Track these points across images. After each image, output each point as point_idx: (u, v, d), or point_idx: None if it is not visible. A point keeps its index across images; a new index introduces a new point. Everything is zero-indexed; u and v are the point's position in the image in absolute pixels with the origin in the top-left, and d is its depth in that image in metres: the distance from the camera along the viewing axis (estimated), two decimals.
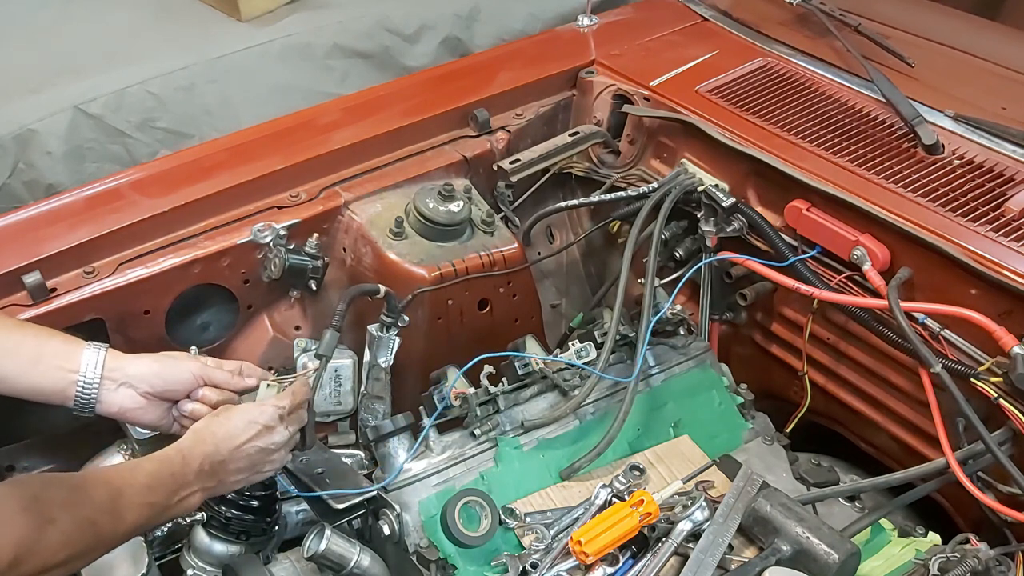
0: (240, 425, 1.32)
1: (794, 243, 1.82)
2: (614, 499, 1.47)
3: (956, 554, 1.41)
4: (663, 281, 1.79)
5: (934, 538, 1.55)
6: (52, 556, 1.09)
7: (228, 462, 1.31)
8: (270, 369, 1.59)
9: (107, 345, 1.37)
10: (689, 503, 1.42)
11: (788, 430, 1.87)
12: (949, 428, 1.59)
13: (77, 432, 1.68)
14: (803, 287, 1.74)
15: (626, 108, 2.10)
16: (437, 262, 1.79)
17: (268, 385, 1.43)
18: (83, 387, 1.33)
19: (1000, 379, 1.53)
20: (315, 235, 1.83)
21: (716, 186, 1.89)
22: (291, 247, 1.81)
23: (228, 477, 1.33)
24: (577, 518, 1.46)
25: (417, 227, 1.83)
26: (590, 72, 2.18)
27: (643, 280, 1.72)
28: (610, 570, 1.36)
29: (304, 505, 1.54)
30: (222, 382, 1.42)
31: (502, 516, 1.42)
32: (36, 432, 1.71)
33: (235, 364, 1.45)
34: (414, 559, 1.41)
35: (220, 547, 1.43)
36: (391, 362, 1.65)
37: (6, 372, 1.32)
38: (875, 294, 1.68)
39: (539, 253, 2.22)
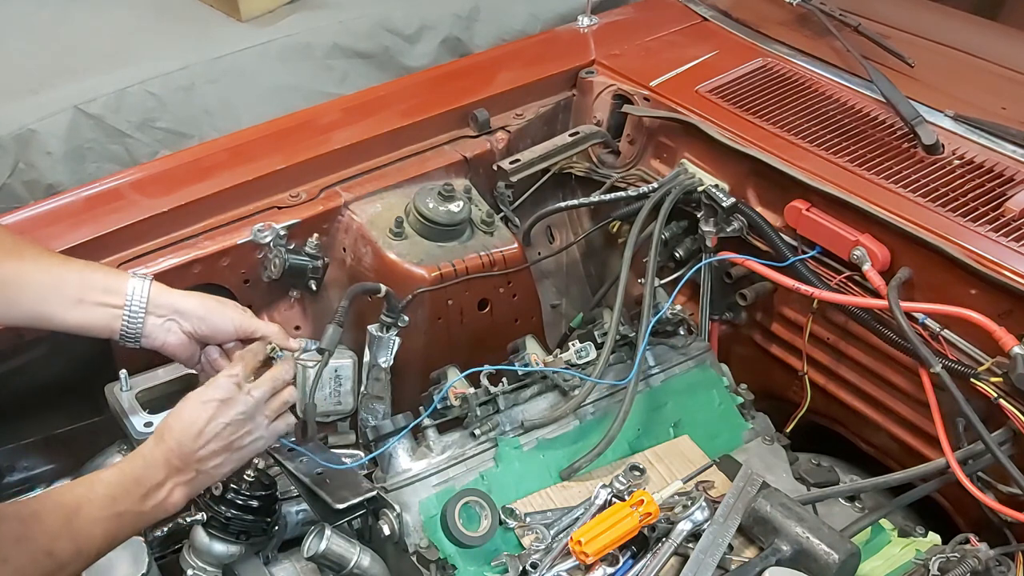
0: (194, 409, 1.30)
1: (794, 243, 1.82)
2: (614, 499, 1.47)
3: (956, 554, 1.41)
4: (663, 281, 1.79)
5: (934, 538, 1.55)
6: None
7: (197, 450, 1.28)
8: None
9: (151, 276, 1.40)
10: (689, 503, 1.42)
11: (788, 430, 1.87)
12: (949, 428, 1.59)
13: (77, 432, 1.68)
14: (803, 287, 1.74)
15: (626, 108, 2.09)
16: (437, 262, 1.79)
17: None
18: (128, 320, 1.36)
19: (1000, 379, 1.53)
20: (315, 235, 1.83)
21: (716, 186, 1.89)
22: (291, 247, 1.81)
23: (205, 464, 1.30)
24: (577, 518, 1.45)
25: (417, 227, 1.83)
26: (590, 72, 2.18)
27: (643, 280, 1.72)
28: (610, 570, 1.36)
29: (304, 505, 1.54)
30: (265, 331, 1.43)
31: (502, 516, 1.42)
32: (36, 432, 1.71)
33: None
34: (414, 559, 1.41)
35: (220, 547, 1.43)
36: (391, 362, 1.65)
37: (51, 312, 1.34)
38: (875, 294, 1.68)
39: (539, 253, 2.21)
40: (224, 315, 1.42)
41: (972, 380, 1.54)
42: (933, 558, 1.41)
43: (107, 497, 1.20)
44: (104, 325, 1.36)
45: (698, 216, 1.91)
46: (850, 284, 1.74)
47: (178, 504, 1.29)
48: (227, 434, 1.31)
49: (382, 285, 1.62)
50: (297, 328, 1.90)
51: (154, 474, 1.25)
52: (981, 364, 1.56)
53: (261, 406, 1.35)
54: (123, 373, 1.60)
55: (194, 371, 1.53)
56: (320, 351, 1.50)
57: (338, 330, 1.51)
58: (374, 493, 1.43)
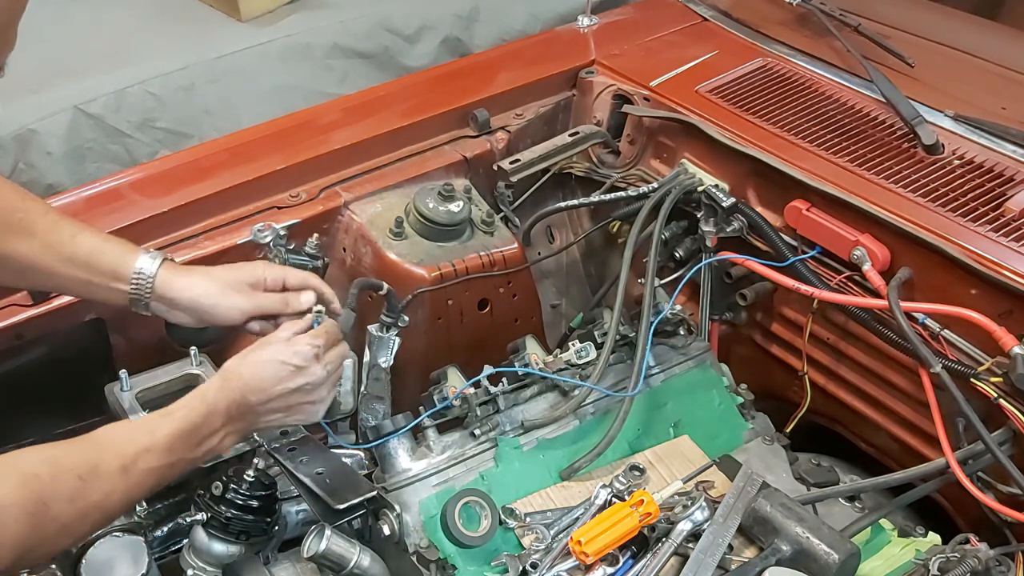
0: (270, 368, 1.31)
1: (794, 243, 1.82)
2: (614, 499, 1.47)
3: (956, 554, 1.41)
4: (663, 281, 1.79)
5: (934, 538, 1.55)
6: (55, 546, 1.12)
7: (257, 405, 1.30)
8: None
9: (162, 257, 1.41)
10: (689, 503, 1.42)
11: (788, 430, 1.87)
12: (949, 428, 1.59)
13: (77, 432, 1.66)
14: (803, 287, 1.74)
15: (626, 108, 2.09)
16: (437, 262, 1.79)
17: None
18: (135, 300, 1.40)
19: (1000, 379, 1.53)
20: (315, 235, 1.82)
21: (716, 186, 1.89)
22: (291, 247, 1.80)
23: (259, 419, 1.33)
24: (577, 518, 1.46)
25: (417, 227, 1.83)
26: (590, 72, 2.18)
27: (643, 280, 1.72)
28: (610, 570, 1.36)
29: (304, 505, 1.54)
30: (275, 310, 1.44)
31: (502, 516, 1.43)
32: (36, 432, 1.70)
33: (299, 277, 1.49)
34: (414, 559, 1.41)
35: (220, 547, 1.42)
36: (391, 362, 1.65)
37: (63, 287, 1.44)
38: (875, 294, 1.68)
39: (539, 253, 2.21)
40: (227, 305, 1.42)
41: (972, 380, 1.54)
42: (933, 558, 1.41)
43: (166, 448, 1.21)
44: (114, 301, 1.41)
45: (698, 216, 1.91)
46: (850, 284, 1.74)
47: (227, 449, 1.32)
48: (294, 399, 1.34)
49: (384, 283, 1.62)
50: None
51: (213, 422, 1.27)
52: (981, 364, 1.56)
53: (329, 379, 1.38)
54: (123, 373, 1.59)
55: (196, 372, 1.53)
56: None
57: (352, 314, 1.52)
58: (374, 493, 1.42)
